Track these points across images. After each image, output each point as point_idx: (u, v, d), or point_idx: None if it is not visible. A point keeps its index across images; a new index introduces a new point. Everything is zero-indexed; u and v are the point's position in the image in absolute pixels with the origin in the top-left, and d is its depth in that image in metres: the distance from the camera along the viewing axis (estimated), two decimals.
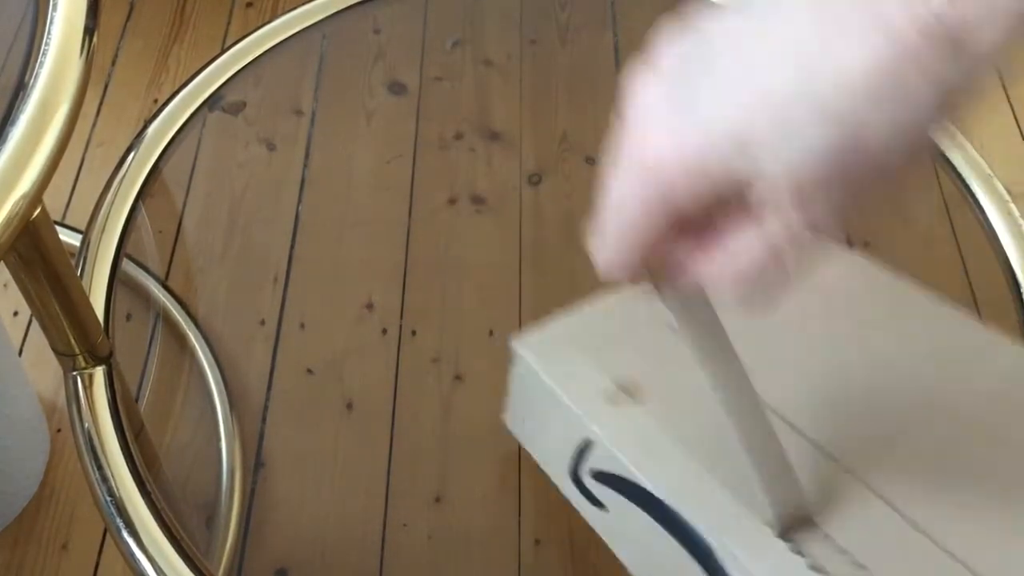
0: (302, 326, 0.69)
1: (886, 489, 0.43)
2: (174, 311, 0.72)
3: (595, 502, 0.48)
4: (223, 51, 0.85)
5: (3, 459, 1.14)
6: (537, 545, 0.59)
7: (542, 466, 0.52)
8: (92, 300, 0.69)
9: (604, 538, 0.48)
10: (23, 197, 0.52)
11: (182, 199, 0.77)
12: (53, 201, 1.41)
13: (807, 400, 0.47)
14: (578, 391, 0.49)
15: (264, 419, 0.65)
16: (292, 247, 0.73)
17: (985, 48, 0.26)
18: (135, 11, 1.68)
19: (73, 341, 0.66)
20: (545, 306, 0.69)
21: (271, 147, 0.80)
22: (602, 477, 0.48)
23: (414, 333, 0.62)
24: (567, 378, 0.49)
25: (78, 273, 0.70)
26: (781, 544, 0.41)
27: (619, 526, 0.47)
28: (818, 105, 0.27)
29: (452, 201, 0.75)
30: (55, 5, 0.58)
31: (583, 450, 0.48)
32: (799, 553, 0.41)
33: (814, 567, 0.40)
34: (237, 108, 0.82)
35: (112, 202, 0.75)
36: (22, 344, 1.31)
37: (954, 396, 0.47)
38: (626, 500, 0.46)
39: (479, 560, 0.60)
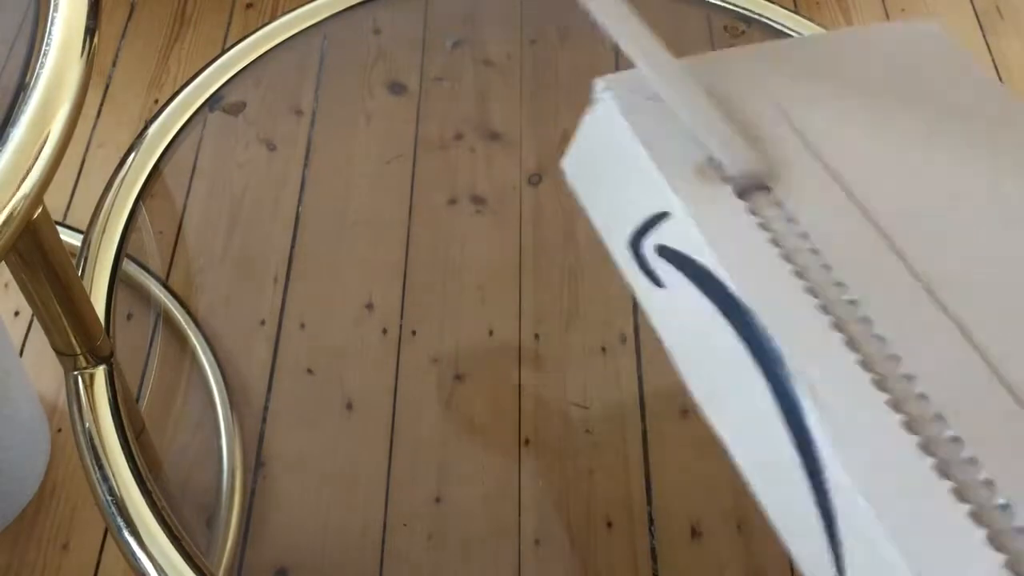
0: (302, 326, 0.70)
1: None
2: (175, 311, 0.72)
3: (652, 278, 0.43)
4: (223, 51, 0.85)
5: (3, 459, 1.14)
6: (537, 545, 0.59)
7: (595, 225, 0.46)
8: (93, 300, 0.69)
9: (650, 316, 0.43)
10: (24, 197, 0.52)
11: (183, 199, 0.77)
12: (54, 201, 1.41)
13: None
14: (666, 155, 0.43)
15: (264, 419, 0.66)
16: (292, 247, 0.73)
17: None
18: (136, 11, 1.68)
19: (74, 341, 0.66)
20: (545, 306, 0.69)
21: (271, 147, 0.80)
22: (668, 254, 0.43)
23: (414, 333, 0.62)
24: (656, 137, 0.44)
25: (79, 273, 0.70)
26: (864, 376, 0.37)
27: (672, 308, 0.43)
28: None
29: (452, 201, 0.75)
30: (56, 6, 0.58)
31: (654, 221, 0.44)
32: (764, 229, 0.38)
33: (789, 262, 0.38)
34: (237, 108, 0.82)
35: (113, 202, 0.75)
36: (23, 344, 1.31)
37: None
38: (691, 285, 0.41)
39: (479, 560, 0.60)
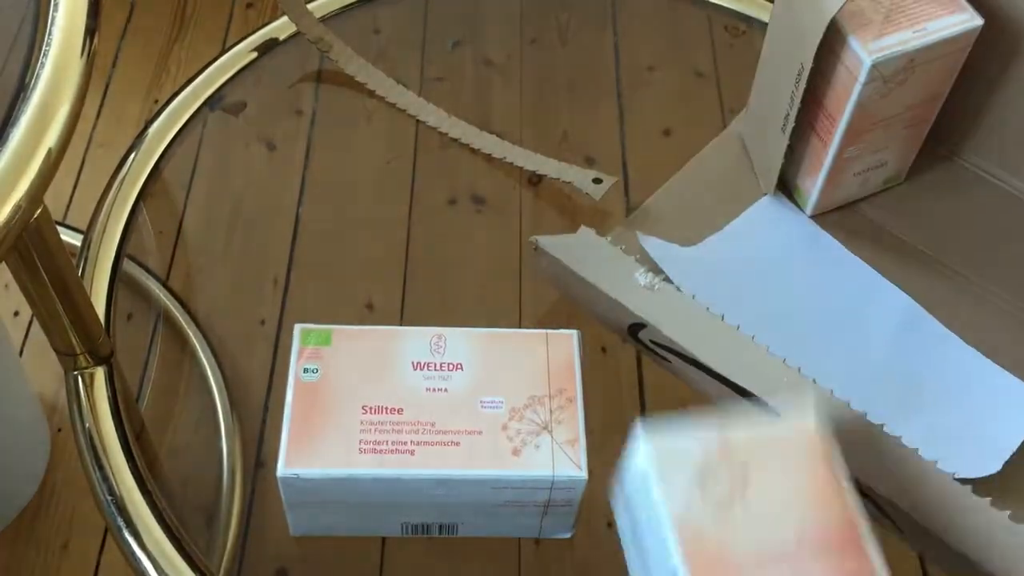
0: None
1: None
2: (175, 311, 0.72)
3: (659, 357, 0.59)
4: (223, 51, 0.85)
5: (3, 459, 1.14)
6: (537, 545, 0.59)
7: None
8: (93, 300, 0.69)
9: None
10: (24, 197, 0.52)
11: (183, 199, 0.77)
12: (54, 201, 1.41)
13: None
14: (616, 281, 0.57)
15: (264, 419, 0.66)
16: (292, 247, 0.73)
17: None
18: (136, 12, 1.68)
19: (74, 341, 0.66)
20: (545, 306, 0.69)
21: (271, 147, 0.80)
22: (659, 345, 0.58)
23: None
24: (602, 269, 0.58)
25: (79, 273, 0.70)
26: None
27: (683, 371, 0.58)
28: None
29: (452, 201, 0.75)
30: (56, 6, 0.58)
31: (636, 328, 0.58)
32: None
33: None
34: (237, 108, 0.82)
35: (113, 202, 0.75)
36: (23, 344, 1.31)
37: None
38: (683, 360, 0.57)
39: (479, 560, 0.60)
